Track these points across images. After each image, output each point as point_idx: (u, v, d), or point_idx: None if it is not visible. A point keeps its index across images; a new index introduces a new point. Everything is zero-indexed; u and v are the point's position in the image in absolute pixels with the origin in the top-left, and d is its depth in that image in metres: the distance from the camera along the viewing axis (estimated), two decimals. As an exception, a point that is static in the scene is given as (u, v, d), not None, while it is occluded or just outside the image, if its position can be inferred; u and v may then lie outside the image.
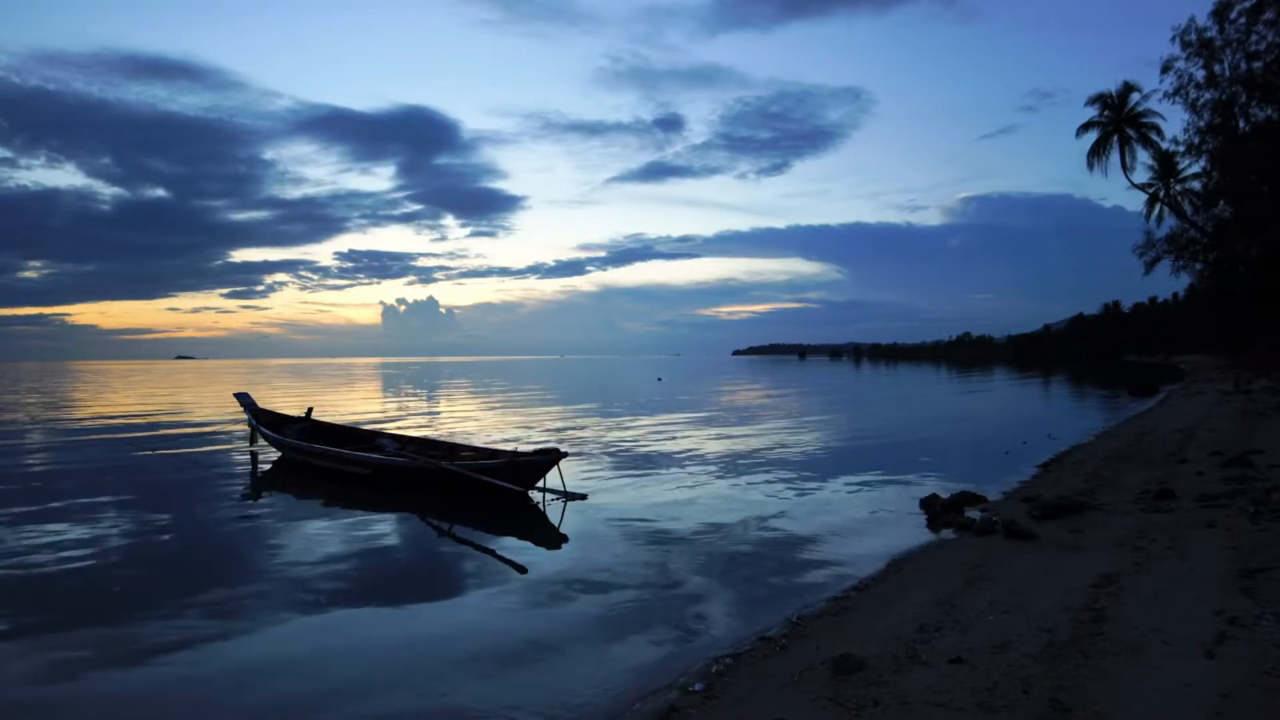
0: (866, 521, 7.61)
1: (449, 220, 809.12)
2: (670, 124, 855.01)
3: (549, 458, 8.64)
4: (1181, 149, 31.20)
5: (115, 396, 32.57)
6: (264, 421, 12.81)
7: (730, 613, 5.02)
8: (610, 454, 12.65)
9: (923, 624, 4.34)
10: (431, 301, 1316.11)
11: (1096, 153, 38.72)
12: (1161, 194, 36.69)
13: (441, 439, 11.77)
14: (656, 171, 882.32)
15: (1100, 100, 38.01)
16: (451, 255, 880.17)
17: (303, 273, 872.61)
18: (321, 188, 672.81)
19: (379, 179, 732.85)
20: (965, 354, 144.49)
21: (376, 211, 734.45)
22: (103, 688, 4.02)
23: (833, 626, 4.59)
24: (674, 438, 15.10)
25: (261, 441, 12.67)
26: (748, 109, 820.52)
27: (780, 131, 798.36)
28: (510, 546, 6.99)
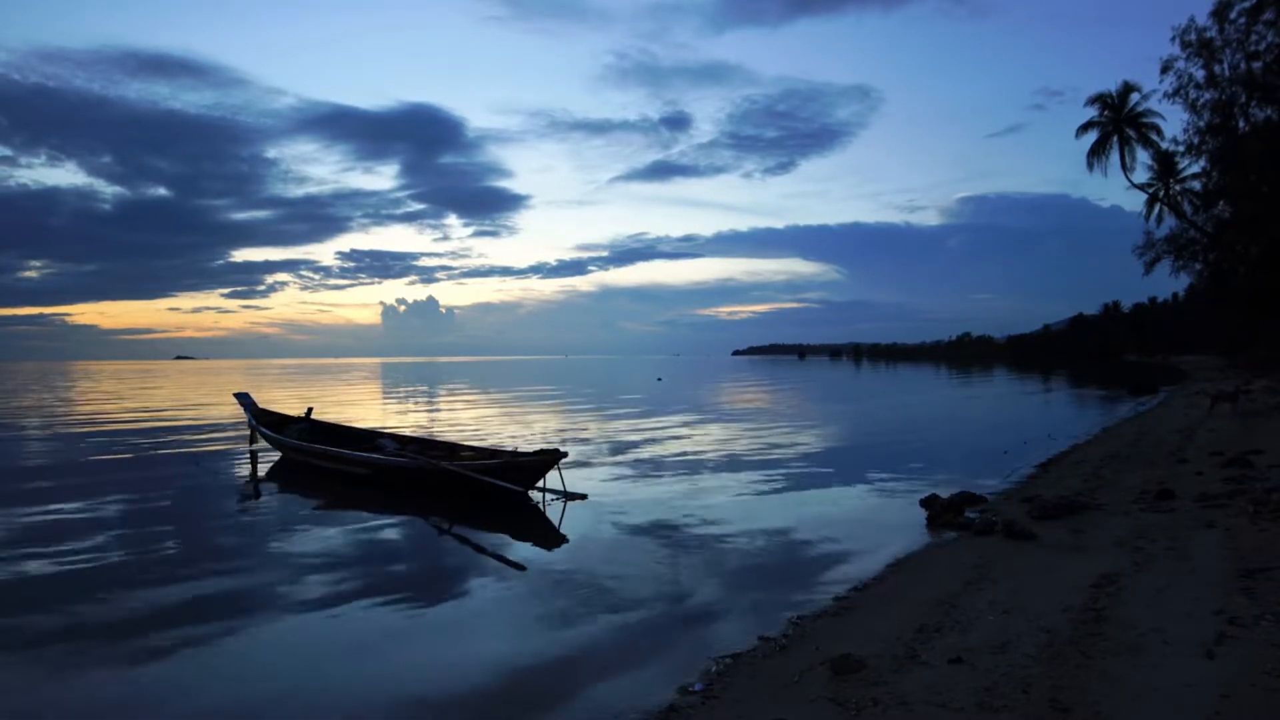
0: (866, 521, 7.61)
1: (452, 220, 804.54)
2: (677, 122, 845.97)
3: (549, 458, 8.64)
4: (1181, 149, 31.28)
5: (115, 396, 32.55)
6: (264, 421, 12.82)
7: (730, 613, 5.02)
8: (610, 454, 12.65)
9: (922, 624, 4.34)
10: (431, 301, 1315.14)
11: (1096, 153, 38.67)
12: (1161, 194, 36.63)
13: (441, 439, 11.78)
14: (661, 170, 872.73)
15: (1100, 100, 38.01)
16: (454, 255, 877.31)
17: (304, 272, 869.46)
18: (324, 187, 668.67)
19: (382, 178, 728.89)
20: (965, 354, 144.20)
21: (379, 211, 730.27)
22: (100, 687, 4.02)
23: (833, 626, 4.59)
24: (674, 438, 15.10)
25: (261, 441, 12.67)
26: (755, 107, 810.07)
27: (787, 130, 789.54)
28: (510, 547, 7.00)
